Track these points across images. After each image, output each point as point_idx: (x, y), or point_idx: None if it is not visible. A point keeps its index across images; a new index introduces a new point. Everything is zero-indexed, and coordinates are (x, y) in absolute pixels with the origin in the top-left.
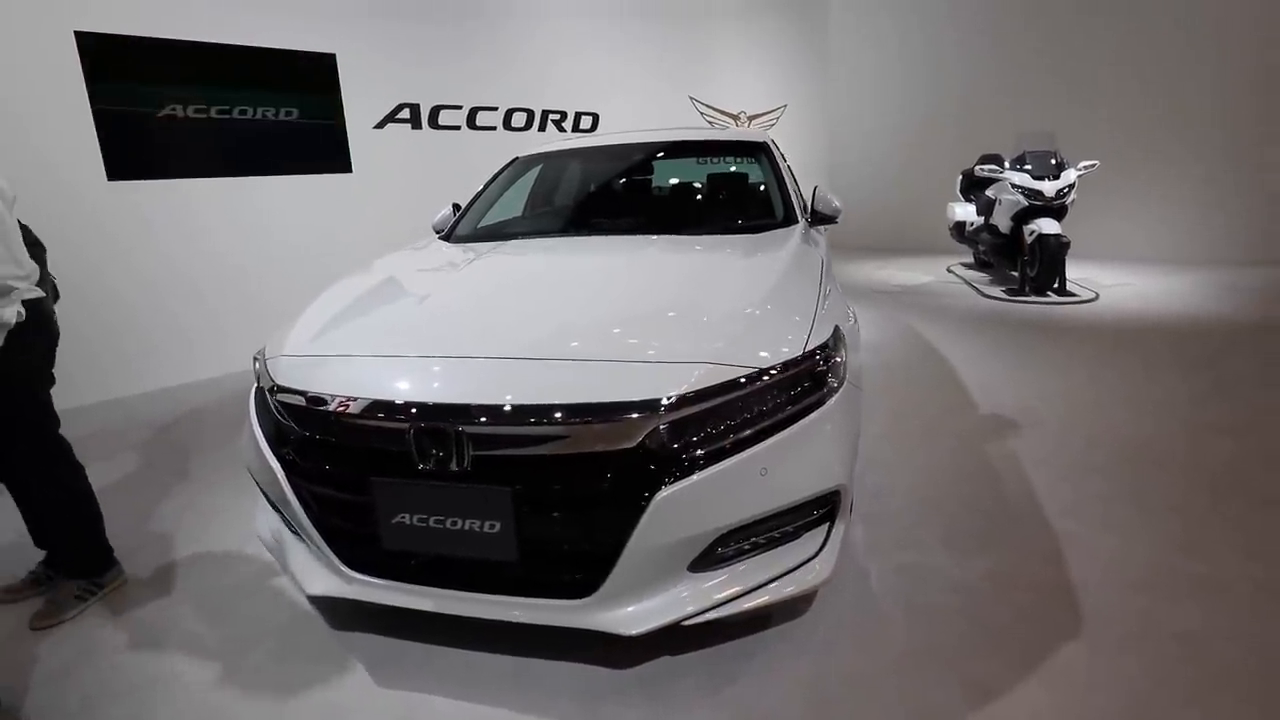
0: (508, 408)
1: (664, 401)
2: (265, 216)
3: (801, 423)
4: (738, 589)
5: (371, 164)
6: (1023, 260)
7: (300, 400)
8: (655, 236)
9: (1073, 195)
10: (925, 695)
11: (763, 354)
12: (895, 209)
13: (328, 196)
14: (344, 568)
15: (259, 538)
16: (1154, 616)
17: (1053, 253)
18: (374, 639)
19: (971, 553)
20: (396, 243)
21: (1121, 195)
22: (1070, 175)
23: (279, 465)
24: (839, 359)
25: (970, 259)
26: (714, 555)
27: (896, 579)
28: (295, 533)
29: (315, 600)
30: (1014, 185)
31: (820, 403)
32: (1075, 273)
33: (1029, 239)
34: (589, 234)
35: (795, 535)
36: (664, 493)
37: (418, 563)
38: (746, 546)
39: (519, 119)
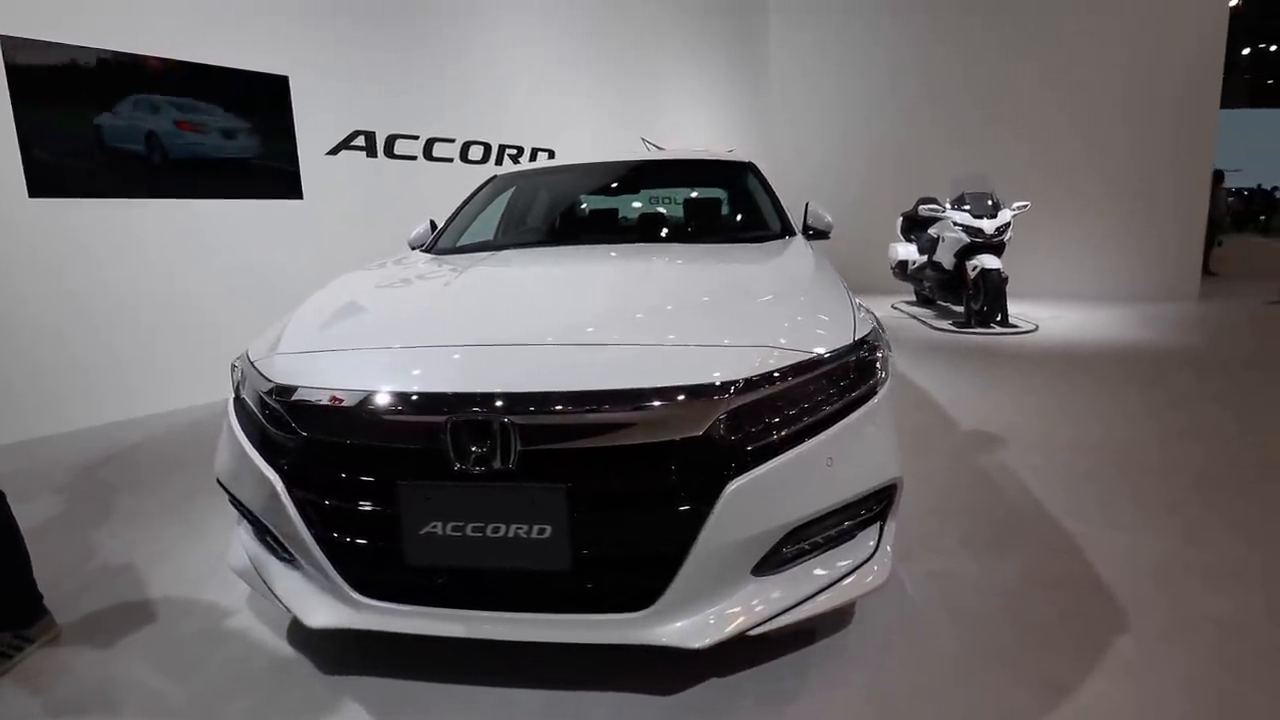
0: (566, 394)
1: (735, 384)
2: (210, 242)
3: (860, 411)
4: (802, 592)
5: (323, 192)
6: (967, 294)
7: (309, 399)
8: (664, 244)
9: (1010, 233)
10: (996, 699)
11: (819, 340)
12: (839, 251)
13: (277, 223)
14: (354, 593)
15: (233, 568)
16: (1186, 605)
17: (995, 286)
18: (374, 681)
19: (996, 556)
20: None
21: (1047, 235)
22: (1006, 214)
23: (277, 477)
24: (882, 351)
25: (913, 296)
26: (778, 556)
27: (931, 585)
28: (286, 558)
29: (298, 642)
30: (956, 224)
31: (873, 392)
32: (1010, 307)
33: (973, 274)
34: (591, 244)
35: (851, 534)
36: (735, 484)
37: (444, 581)
38: (807, 546)
39: (476, 151)
